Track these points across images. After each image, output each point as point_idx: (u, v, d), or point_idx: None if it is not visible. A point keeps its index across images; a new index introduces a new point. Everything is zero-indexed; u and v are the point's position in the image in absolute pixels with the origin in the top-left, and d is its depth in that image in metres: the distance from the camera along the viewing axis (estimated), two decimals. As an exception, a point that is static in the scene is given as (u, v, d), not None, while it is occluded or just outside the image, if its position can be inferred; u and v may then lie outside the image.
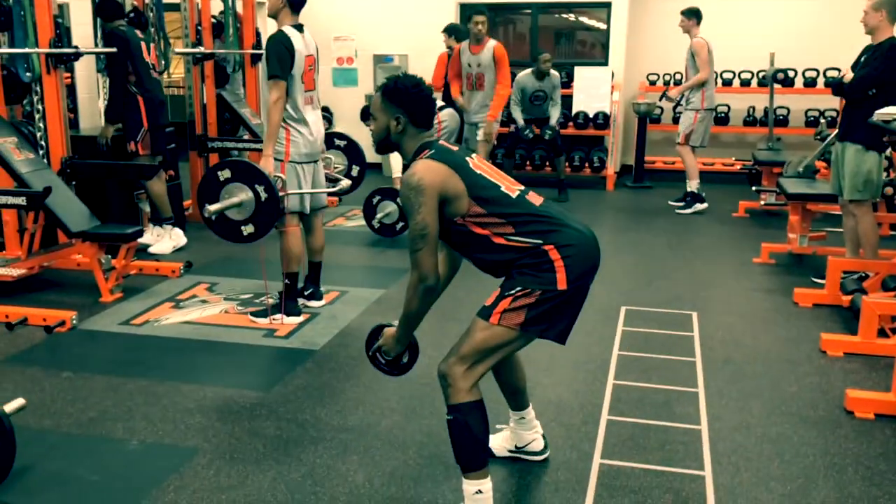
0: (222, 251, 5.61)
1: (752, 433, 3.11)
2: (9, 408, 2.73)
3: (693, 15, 7.34)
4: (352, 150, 4.96)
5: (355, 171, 4.98)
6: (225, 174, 3.65)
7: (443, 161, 2.36)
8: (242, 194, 3.66)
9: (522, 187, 2.46)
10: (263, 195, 3.63)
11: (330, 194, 4.40)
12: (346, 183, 4.39)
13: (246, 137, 7.17)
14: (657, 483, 2.74)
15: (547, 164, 8.68)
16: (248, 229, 3.71)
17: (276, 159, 4.06)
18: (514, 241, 2.32)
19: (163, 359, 3.86)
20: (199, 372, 3.72)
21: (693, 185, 7.38)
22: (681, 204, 7.54)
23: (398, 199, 6.02)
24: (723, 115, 8.88)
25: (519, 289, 2.30)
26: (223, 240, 3.88)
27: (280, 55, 3.98)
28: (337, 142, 5.29)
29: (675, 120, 8.97)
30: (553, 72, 7.66)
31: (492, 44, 6.57)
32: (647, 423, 3.18)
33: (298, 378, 3.62)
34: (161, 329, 4.24)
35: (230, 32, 7.14)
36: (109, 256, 4.72)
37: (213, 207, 3.63)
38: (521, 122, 7.76)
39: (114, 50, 5.47)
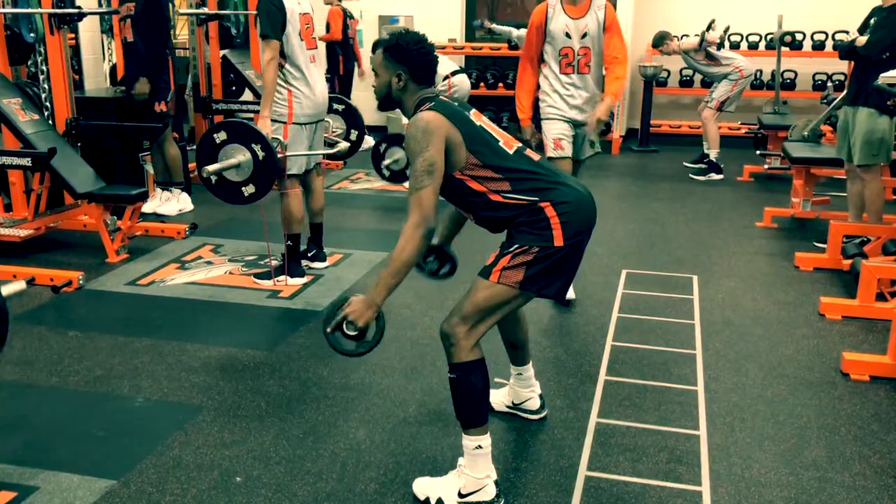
0: (227, 213, 5.64)
1: (748, 394, 3.15)
2: (6, 290, 2.71)
3: (661, 41, 7.40)
4: (350, 115, 4.95)
5: (354, 135, 4.97)
6: (221, 136, 3.68)
7: (443, 112, 2.38)
8: (240, 155, 3.68)
9: (520, 144, 2.48)
10: (261, 154, 3.65)
11: (328, 156, 4.40)
12: (344, 145, 4.39)
13: (251, 99, 7.15)
14: (652, 441, 2.79)
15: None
16: (248, 189, 3.73)
17: (278, 121, 4.08)
18: (510, 199, 2.35)
19: (168, 318, 3.92)
20: (204, 331, 3.77)
21: (714, 154, 7.32)
22: (697, 167, 7.51)
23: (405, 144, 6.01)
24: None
25: (517, 246, 2.33)
26: (226, 202, 3.91)
27: (270, 13, 3.97)
28: (335, 106, 5.29)
29: (682, 83, 8.94)
30: None
31: (600, 1, 4.06)
32: (644, 383, 3.23)
33: (301, 338, 3.67)
34: (166, 289, 4.29)
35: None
36: (115, 217, 4.77)
37: (211, 168, 3.65)
38: None
39: (116, 10, 5.45)
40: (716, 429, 2.88)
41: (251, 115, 7.35)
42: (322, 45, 4.52)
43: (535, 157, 2.46)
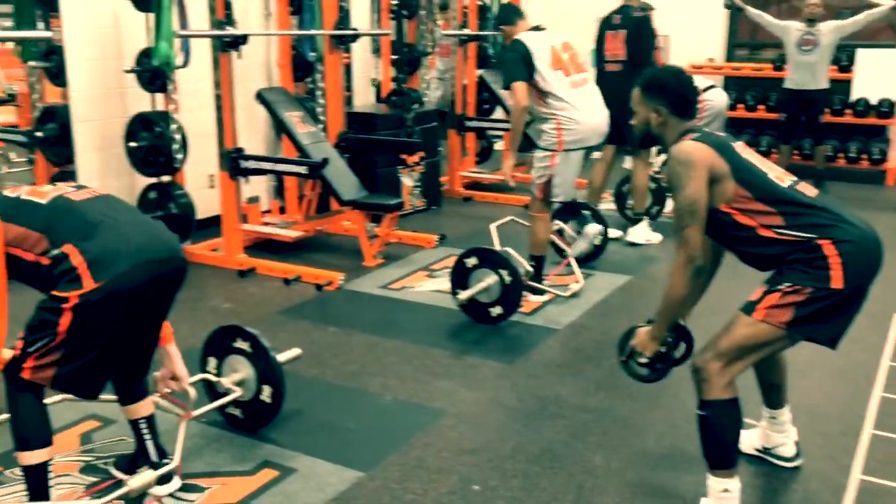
0: (473, 227, 5.80)
1: None
2: (283, 357, 3.02)
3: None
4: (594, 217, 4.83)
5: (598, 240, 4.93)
6: (472, 261, 3.99)
7: (707, 143, 2.30)
8: (489, 279, 3.95)
9: (794, 178, 2.33)
10: (507, 279, 3.90)
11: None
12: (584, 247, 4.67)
13: (502, 117, 7.34)
14: (927, 509, 2.49)
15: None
16: (496, 311, 3.97)
17: (549, 149, 4.17)
18: (783, 235, 2.20)
19: (416, 323, 4.11)
20: (448, 339, 3.91)
21: None
22: None
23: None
24: None
25: (788, 284, 2.18)
26: (476, 322, 4.05)
27: (510, 61, 4.15)
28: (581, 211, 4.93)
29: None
30: (824, 24, 6.80)
31: None
32: (919, 443, 2.89)
33: (540, 354, 3.69)
34: (415, 295, 4.51)
35: (494, 12, 7.33)
36: (374, 224, 5.09)
37: (463, 295, 3.96)
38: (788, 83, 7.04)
39: (387, 32, 5.82)
40: None
41: (500, 133, 7.57)
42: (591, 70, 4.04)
43: (812, 191, 2.29)
